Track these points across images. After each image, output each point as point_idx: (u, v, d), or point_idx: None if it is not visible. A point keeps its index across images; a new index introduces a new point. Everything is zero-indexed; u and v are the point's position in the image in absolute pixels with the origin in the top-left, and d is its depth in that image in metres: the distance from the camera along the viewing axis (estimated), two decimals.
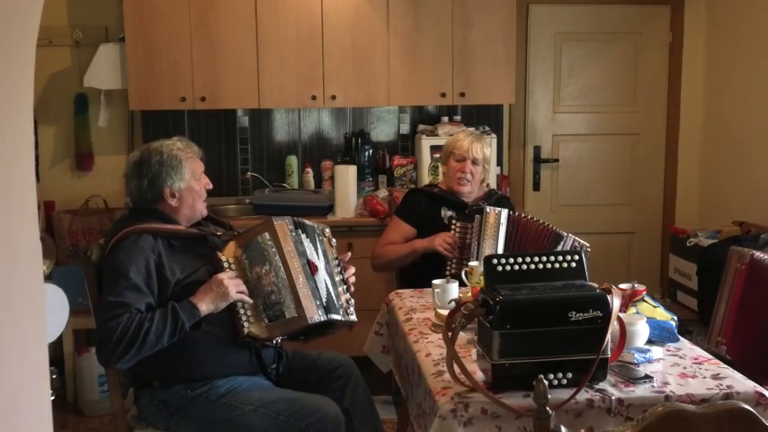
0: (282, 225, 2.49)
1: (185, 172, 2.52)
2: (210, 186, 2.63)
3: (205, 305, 2.34)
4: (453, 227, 3.21)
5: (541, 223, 3.12)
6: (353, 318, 2.58)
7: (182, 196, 2.52)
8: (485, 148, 3.38)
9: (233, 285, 2.37)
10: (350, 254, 2.74)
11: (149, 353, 2.29)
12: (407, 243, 3.33)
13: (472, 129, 4.20)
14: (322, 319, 2.41)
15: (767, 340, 2.57)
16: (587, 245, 3.05)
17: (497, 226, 3.11)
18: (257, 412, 2.34)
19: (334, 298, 2.53)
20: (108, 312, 2.27)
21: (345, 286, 2.62)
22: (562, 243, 3.05)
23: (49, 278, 3.62)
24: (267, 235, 2.44)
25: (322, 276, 2.51)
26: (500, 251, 3.09)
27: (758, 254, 2.73)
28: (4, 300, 1.24)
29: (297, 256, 2.46)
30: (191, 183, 2.53)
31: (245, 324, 2.40)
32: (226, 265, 2.44)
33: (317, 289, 2.47)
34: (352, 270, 2.69)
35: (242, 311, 2.41)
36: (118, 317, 2.25)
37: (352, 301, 2.62)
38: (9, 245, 1.26)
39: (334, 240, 2.67)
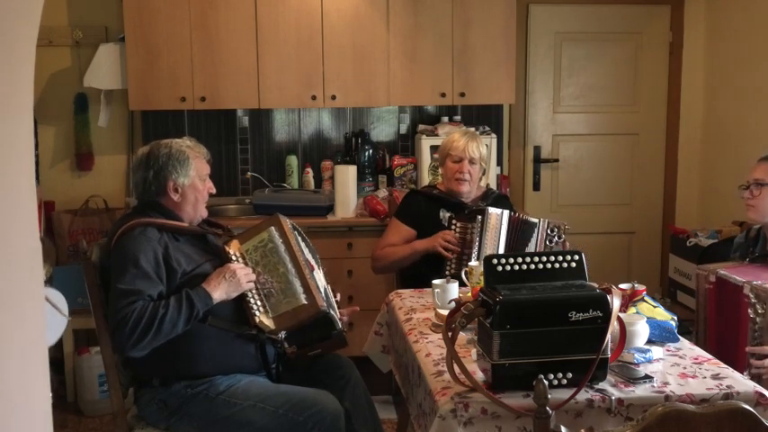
0: (286, 221, 2.58)
1: (191, 169, 2.55)
2: (214, 191, 2.67)
3: (218, 293, 2.39)
4: (454, 227, 3.21)
5: (516, 215, 3.19)
6: (343, 336, 2.60)
7: (184, 192, 2.55)
8: (480, 146, 3.38)
9: (244, 275, 2.43)
10: (339, 295, 2.81)
11: (164, 340, 2.31)
12: (408, 244, 3.33)
13: (466, 128, 4.20)
14: (328, 310, 2.44)
15: (745, 357, 2.56)
16: (565, 222, 3.13)
17: (499, 227, 3.12)
18: (256, 407, 2.36)
19: (332, 300, 2.60)
20: (121, 300, 2.29)
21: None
22: (536, 229, 3.12)
23: (48, 282, 3.61)
24: (274, 229, 2.53)
25: (320, 276, 2.56)
26: (501, 252, 3.09)
27: (722, 271, 2.72)
28: (4, 300, 1.24)
29: (301, 251, 2.52)
30: (195, 181, 2.57)
31: (257, 313, 2.44)
32: (234, 258, 2.49)
33: (318, 285, 2.52)
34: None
35: (252, 301, 2.46)
36: (132, 303, 2.28)
37: (345, 319, 2.70)
38: (9, 245, 1.26)
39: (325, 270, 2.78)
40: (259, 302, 2.46)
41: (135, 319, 2.25)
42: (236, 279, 2.41)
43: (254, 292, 2.46)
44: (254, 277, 2.46)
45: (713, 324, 2.77)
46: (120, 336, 2.28)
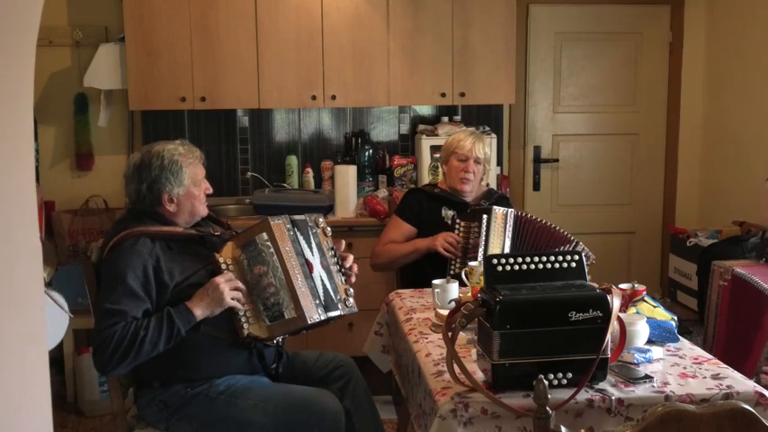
0: (279, 225, 2.47)
1: (185, 178, 2.50)
2: (210, 191, 2.61)
3: (200, 310, 2.34)
4: (457, 226, 3.21)
5: (555, 229, 3.12)
6: (354, 309, 2.52)
7: (179, 202, 2.51)
8: (485, 147, 3.39)
9: (228, 290, 2.35)
10: (344, 242, 2.68)
11: (146, 359, 2.30)
12: (409, 242, 3.32)
13: (472, 128, 4.20)
14: (321, 319, 2.40)
15: (756, 357, 2.55)
16: (593, 257, 3.05)
17: (505, 226, 3.11)
18: (257, 407, 2.35)
19: (332, 293, 2.49)
20: (105, 320, 2.27)
21: (343, 276, 2.57)
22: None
23: (48, 285, 3.60)
24: (265, 235, 2.43)
25: (318, 273, 2.47)
26: (507, 252, 3.08)
27: (738, 269, 2.70)
28: (4, 300, 1.24)
29: (295, 256, 2.44)
30: (190, 189, 2.52)
31: (245, 325, 2.41)
32: (224, 266, 2.44)
33: (315, 288, 2.45)
34: (351, 258, 2.63)
35: (241, 313, 2.41)
36: (114, 325, 2.26)
37: (351, 290, 2.55)
38: (9, 245, 1.26)
39: (329, 230, 2.60)
40: (249, 313, 2.41)
41: (116, 342, 2.24)
42: (218, 294, 2.33)
43: (242, 302, 2.40)
44: (239, 294, 2.38)
45: (725, 321, 2.75)
46: (101, 357, 2.27)
